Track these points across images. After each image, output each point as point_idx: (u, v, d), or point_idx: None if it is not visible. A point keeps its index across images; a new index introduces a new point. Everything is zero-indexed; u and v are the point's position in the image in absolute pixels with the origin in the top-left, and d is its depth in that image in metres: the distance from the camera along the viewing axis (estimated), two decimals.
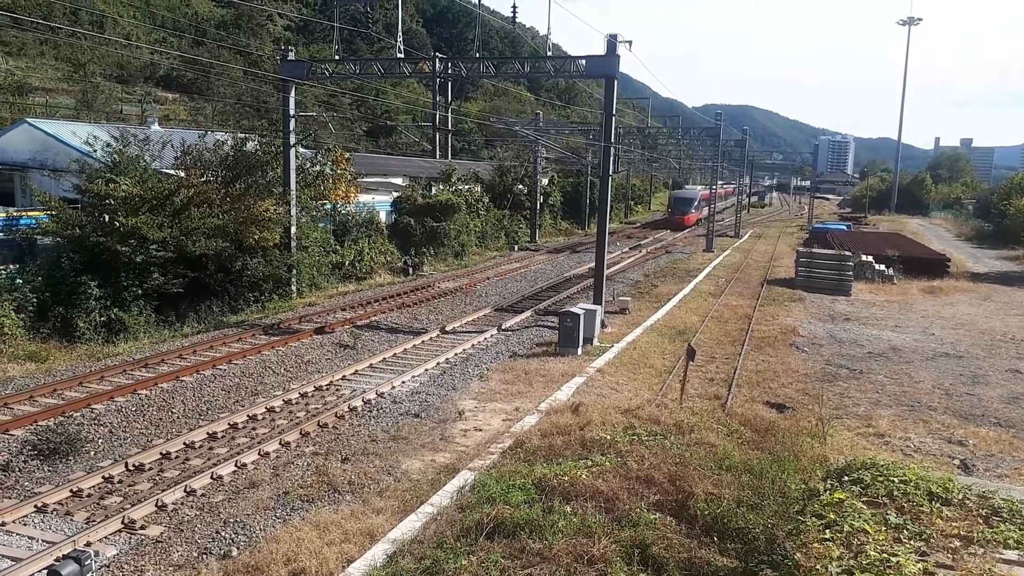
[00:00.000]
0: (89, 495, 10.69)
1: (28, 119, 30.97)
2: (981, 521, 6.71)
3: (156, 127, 33.08)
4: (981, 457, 12.46)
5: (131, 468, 11.52)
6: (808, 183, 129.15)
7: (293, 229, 24.90)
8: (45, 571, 7.91)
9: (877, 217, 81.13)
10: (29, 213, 20.99)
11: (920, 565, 5.75)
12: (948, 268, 36.64)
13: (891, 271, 34.30)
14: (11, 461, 11.57)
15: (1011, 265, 43.78)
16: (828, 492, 7.49)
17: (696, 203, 67.75)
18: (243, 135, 25.06)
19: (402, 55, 25.26)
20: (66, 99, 54.11)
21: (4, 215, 20.86)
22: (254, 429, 13.48)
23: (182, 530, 9.70)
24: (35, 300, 18.20)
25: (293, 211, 24.84)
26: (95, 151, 21.24)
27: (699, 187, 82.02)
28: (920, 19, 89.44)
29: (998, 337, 22.87)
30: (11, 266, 19.40)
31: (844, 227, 58.36)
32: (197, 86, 64.19)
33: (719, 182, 59.96)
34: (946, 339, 22.30)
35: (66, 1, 65.30)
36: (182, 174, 22.24)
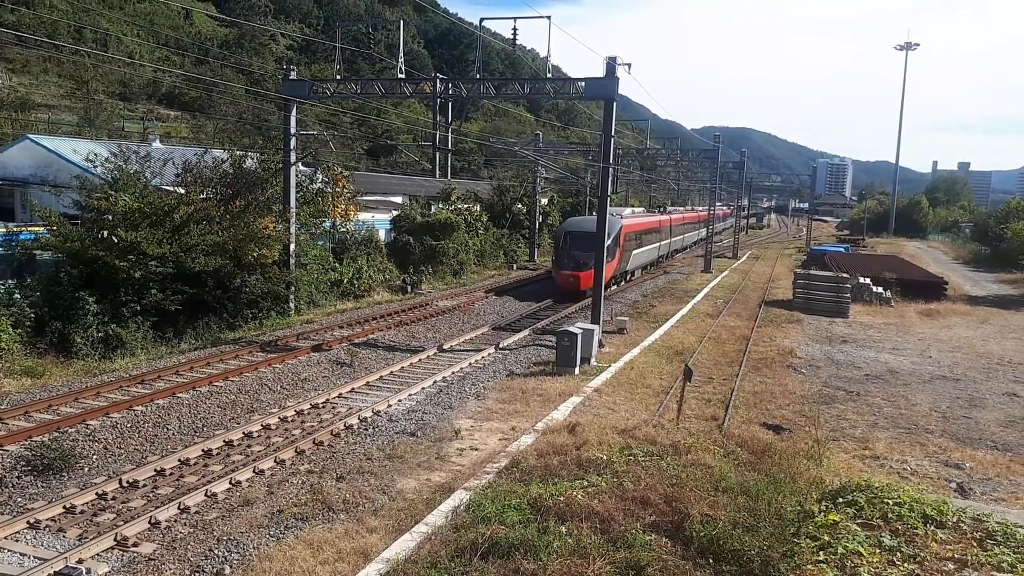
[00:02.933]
0: (82, 511, 10.64)
1: (30, 135, 31.14)
2: (975, 544, 6.71)
3: (157, 144, 33.31)
4: (978, 480, 12.44)
5: (125, 485, 11.47)
6: (806, 205, 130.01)
7: (292, 246, 24.96)
8: None
9: (875, 240, 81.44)
10: (29, 228, 21.06)
11: None
12: (946, 291, 36.69)
13: (889, 293, 34.35)
14: (4, 476, 11.54)
15: (1009, 288, 43.84)
16: (823, 514, 7.49)
17: (613, 242, 31.59)
18: (241, 152, 25.14)
19: (403, 75, 25.46)
20: (68, 116, 54.41)
21: (4, 230, 20.92)
22: (249, 446, 13.44)
23: (175, 547, 9.65)
24: (33, 315, 18.19)
25: (292, 228, 24.92)
26: (96, 167, 21.34)
27: (627, 210, 43.22)
28: (918, 44, 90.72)
29: (995, 360, 22.88)
30: (9, 281, 19.42)
31: (842, 249, 58.55)
32: (199, 104, 64.62)
33: (717, 203, 59.48)
34: (943, 362, 22.31)
35: (70, 19, 65.89)
36: (182, 191, 22.34)
